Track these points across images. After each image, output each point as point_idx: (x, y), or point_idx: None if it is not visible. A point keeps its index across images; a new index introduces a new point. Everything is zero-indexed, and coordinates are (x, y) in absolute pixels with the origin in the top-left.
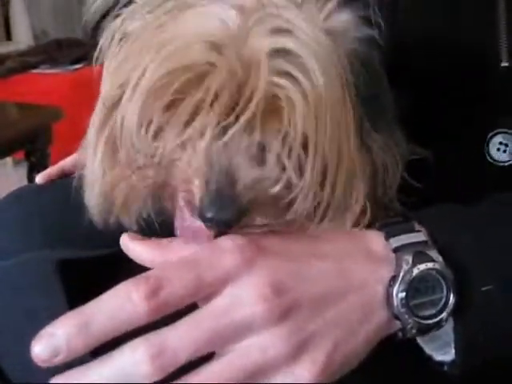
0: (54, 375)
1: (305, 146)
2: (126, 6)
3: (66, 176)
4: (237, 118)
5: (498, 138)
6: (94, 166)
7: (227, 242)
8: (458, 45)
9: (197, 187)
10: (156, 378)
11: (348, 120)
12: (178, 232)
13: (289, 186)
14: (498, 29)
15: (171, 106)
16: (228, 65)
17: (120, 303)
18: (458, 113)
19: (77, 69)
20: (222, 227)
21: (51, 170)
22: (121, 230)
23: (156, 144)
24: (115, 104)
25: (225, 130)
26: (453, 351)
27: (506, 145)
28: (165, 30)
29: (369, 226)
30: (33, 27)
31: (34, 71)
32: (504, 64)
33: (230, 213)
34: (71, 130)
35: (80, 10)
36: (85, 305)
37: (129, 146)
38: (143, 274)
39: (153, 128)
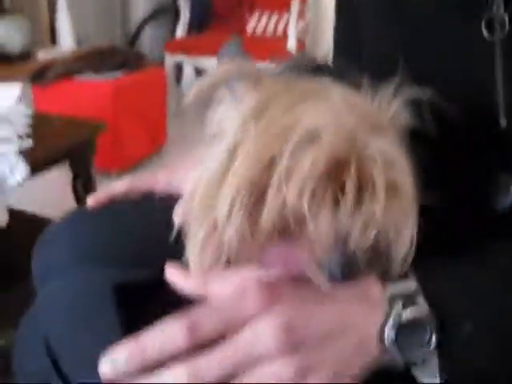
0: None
1: None
2: None
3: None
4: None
5: (502, 186)
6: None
7: (251, 289)
8: (459, 102)
9: (323, 250)
10: None
11: None
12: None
13: None
14: (495, 89)
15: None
16: (356, 154)
17: (166, 337)
18: (464, 164)
19: (118, 76)
20: (341, 281)
21: (101, 195)
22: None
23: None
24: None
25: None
26: (438, 379)
27: (509, 192)
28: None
29: None
30: (76, 32)
31: (77, 78)
32: (503, 125)
33: (350, 272)
34: (112, 137)
35: (122, 14)
36: (139, 336)
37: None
38: (184, 315)
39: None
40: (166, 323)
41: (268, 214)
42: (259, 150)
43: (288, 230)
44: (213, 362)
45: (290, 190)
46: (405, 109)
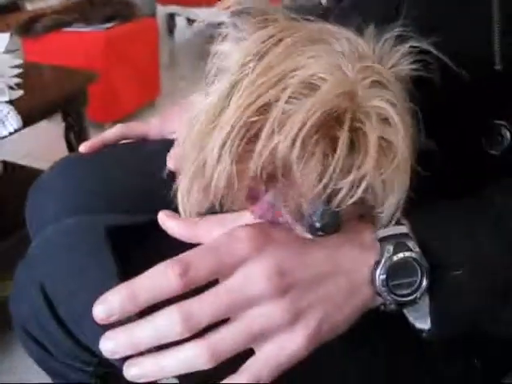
0: (98, 324)
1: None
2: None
3: (106, 147)
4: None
5: (495, 130)
6: (215, 153)
7: (242, 232)
8: (455, 47)
9: (308, 203)
10: (185, 336)
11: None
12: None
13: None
14: (491, 33)
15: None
16: (352, 109)
17: (160, 279)
18: (458, 108)
19: (109, 27)
20: (322, 235)
21: (94, 141)
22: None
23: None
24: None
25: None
26: (429, 321)
27: (502, 136)
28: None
29: None
30: None
31: (68, 29)
32: (497, 67)
33: (331, 226)
34: (104, 88)
35: None
36: (133, 279)
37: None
38: (176, 257)
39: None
40: (158, 266)
41: (257, 159)
42: (255, 94)
43: (275, 177)
44: (205, 305)
45: (282, 138)
46: (407, 57)
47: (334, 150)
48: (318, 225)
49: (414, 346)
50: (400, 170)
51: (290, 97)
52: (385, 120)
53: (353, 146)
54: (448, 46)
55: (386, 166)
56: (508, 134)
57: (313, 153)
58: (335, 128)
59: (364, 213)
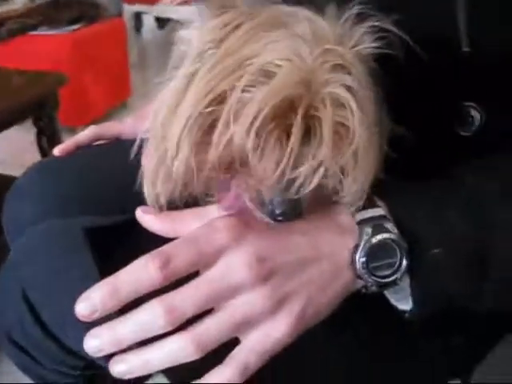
0: (82, 323)
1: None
2: None
3: (80, 149)
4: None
5: (464, 112)
6: (175, 144)
7: (220, 222)
8: (421, 30)
9: (267, 189)
10: (168, 329)
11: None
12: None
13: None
14: (457, 17)
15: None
16: (307, 97)
17: (140, 273)
18: (428, 91)
19: (75, 29)
20: (283, 221)
21: (67, 144)
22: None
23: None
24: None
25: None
26: (411, 302)
27: (472, 117)
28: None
29: None
30: None
31: (33, 33)
32: (465, 49)
33: (292, 212)
34: (74, 91)
35: None
36: (114, 275)
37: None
38: (156, 250)
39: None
40: (139, 260)
41: (214, 149)
42: (212, 83)
43: (234, 166)
44: (187, 296)
45: (237, 128)
46: (368, 36)
47: (289, 139)
48: (277, 211)
49: (395, 326)
50: (360, 154)
51: (246, 85)
52: (341, 105)
53: (309, 134)
54: (413, 27)
55: (344, 152)
56: (478, 116)
57: (268, 142)
58: (290, 116)
59: (329, 198)
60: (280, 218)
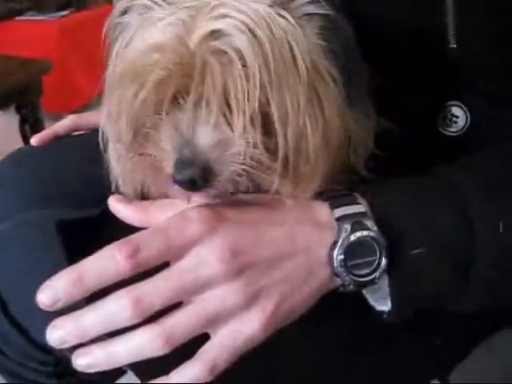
0: (51, 318)
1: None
2: None
3: (59, 138)
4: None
5: (450, 111)
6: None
7: (193, 212)
8: (408, 27)
9: (167, 155)
10: (135, 321)
11: (323, 92)
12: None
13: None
14: (445, 14)
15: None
16: (169, 60)
17: (106, 262)
18: (413, 88)
19: (63, 15)
20: (190, 187)
21: (45, 133)
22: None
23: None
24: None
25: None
26: (389, 303)
27: (457, 116)
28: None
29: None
30: None
31: (20, 18)
32: (452, 46)
33: (193, 172)
34: (60, 79)
35: None
36: (79, 262)
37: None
38: (124, 239)
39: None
40: (105, 249)
41: (124, 126)
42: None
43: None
44: (156, 288)
45: (136, 104)
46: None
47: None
48: (178, 177)
49: (375, 326)
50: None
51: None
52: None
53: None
54: (400, 22)
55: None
56: (463, 115)
57: (163, 117)
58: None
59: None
60: (180, 186)
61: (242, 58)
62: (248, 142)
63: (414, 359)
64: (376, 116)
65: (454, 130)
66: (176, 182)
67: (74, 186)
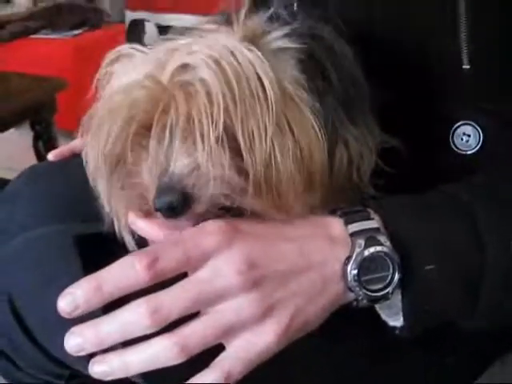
0: (68, 331)
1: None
2: None
3: (76, 156)
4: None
5: (462, 130)
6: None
7: (211, 225)
8: (423, 47)
9: (149, 185)
10: (153, 330)
11: (297, 119)
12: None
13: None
14: (459, 35)
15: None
16: (139, 97)
17: (126, 271)
18: (426, 107)
19: (77, 34)
20: (170, 214)
21: (62, 150)
22: None
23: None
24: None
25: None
26: (401, 318)
27: (469, 135)
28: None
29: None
30: None
31: (35, 37)
32: (465, 67)
33: (171, 198)
34: (74, 96)
35: None
36: (99, 271)
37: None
38: (144, 249)
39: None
40: (125, 258)
41: (108, 149)
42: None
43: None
44: (174, 298)
45: (109, 141)
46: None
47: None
48: (157, 205)
49: (386, 345)
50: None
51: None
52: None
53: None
54: (415, 43)
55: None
56: (476, 134)
57: (139, 147)
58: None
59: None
60: (162, 214)
61: (206, 86)
62: (221, 165)
63: (425, 378)
64: (380, 132)
65: (466, 148)
66: (156, 209)
67: (88, 202)
